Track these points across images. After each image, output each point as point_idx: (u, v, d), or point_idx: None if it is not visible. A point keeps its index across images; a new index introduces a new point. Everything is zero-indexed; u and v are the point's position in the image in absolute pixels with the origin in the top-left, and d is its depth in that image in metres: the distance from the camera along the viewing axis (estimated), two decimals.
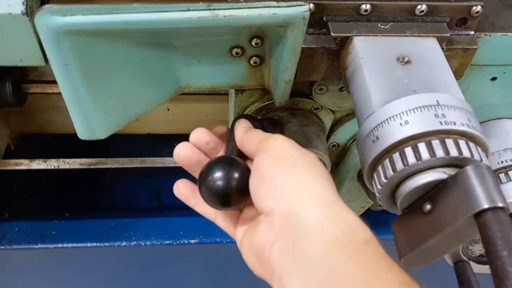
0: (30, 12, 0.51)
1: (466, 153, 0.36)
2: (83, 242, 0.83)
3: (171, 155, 1.03)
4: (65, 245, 0.83)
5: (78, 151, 0.91)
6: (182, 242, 0.86)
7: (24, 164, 0.81)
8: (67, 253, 0.85)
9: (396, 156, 0.38)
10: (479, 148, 0.38)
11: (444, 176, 0.37)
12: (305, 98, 0.57)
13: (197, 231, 0.87)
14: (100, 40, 0.42)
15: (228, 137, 0.52)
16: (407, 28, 0.48)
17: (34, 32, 0.53)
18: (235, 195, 0.44)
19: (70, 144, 0.92)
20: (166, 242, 0.86)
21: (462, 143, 0.37)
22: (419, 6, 0.47)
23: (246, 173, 0.44)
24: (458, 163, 0.37)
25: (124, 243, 0.85)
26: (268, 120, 0.56)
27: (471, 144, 0.37)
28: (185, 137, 1.01)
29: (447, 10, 0.48)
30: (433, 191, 0.37)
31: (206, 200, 0.45)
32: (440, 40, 0.48)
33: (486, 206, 0.33)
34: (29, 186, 0.96)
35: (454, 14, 0.48)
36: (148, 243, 0.86)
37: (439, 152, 0.36)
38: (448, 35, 0.48)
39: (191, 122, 0.96)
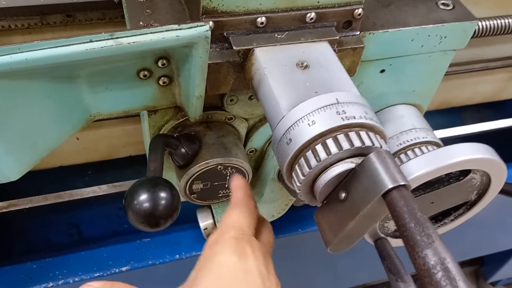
0: None
1: (367, 142, 0.41)
2: None
3: (86, 185, 1.00)
4: None
5: None
6: (113, 271, 0.84)
7: None
8: None
9: (309, 154, 0.41)
10: (378, 136, 0.42)
11: (352, 165, 0.41)
12: (218, 110, 0.59)
13: (127, 257, 0.86)
14: (1, 81, 0.40)
15: (149, 158, 0.52)
16: (301, 35, 0.52)
17: None
18: (163, 216, 0.45)
19: None
20: (96, 274, 0.83)
21: (363, 134, 0.41)
22: (308, 14, 0.52)
23: (172, 191, 0.45)
24: (362, 152, 0.41)
25: (51, 284, 0.81)
26: (186, 137, 0.58)
27: (371, 134, 0.42)
28: (98, 165, 0.98)
29: (333, 15, 0.53)
30: (345, 180, 0.41)
31: (134, 224, 0.46)
32: (331, 43, 0.53)
33: (390, 186, 0.37)
34: None
35: (339, 18, 0.53)
36: (76, 279, 0.82)
37: (345, 145, 0.40)
38: (338, 37, 0.53)
39: (104, 148, 0.94)
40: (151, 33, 0.40)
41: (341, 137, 0.41)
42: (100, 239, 1.04)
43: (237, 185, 0.50)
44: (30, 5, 0.63)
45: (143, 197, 0.44)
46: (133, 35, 0.40)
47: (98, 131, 0.90)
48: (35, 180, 0.93)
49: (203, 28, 0.41)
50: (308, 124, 0.42)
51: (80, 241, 1.03)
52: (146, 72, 0.50)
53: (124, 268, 0.84)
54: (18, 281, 0.80)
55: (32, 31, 0.69)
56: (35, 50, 0.37)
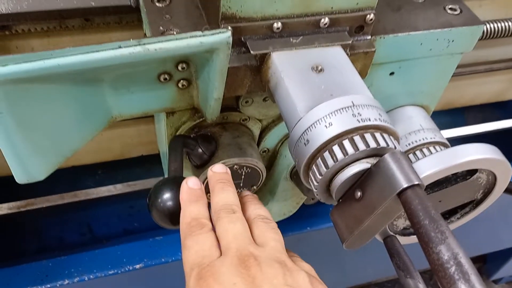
0: None
1: (382, 143, 0.43)
2: None
3: (96, 184, 1.01)
4: None
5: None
6: (127, 269, 0.86)
7: None
8: None
9: (327, 154, 0.43)
10: (392, 137, 0.44)
11: (368, 165, 0.43)
12: (233, 111, 0.61)
13: (141, 255, 0.88)
14: (32, 86, 0.42)
15: (169, 158, 0.54)
16: (315, 40, 0.54)
17: None
18: None
19: None
20: (110, 272, 0.85)
21: (378, 135, 0.43)
22: (322, 20, 0.54)
23: None
24: (377, 153, 0.43)
25: (66, 281, 0.82)
26: (202, 137, 0.60)
27: (385, 135, 0.44)
28: (108, 164, 1.00)
29: (346, 21, 0.55)
30: (361, 179, 0.43)
31: (157, 222, 0.48)
32: (344, 47, 0.55)
33: (405, 185, 0.39)
34: None
35: (352, 23, 0.55)
36: (91, 276, 0.84)
37: (361, 146, 0.42)
38: (350, 42, 0.55)
39: (117, 148, 0.96)
40: (176, 39, 0.42)
41: (357, 139, 0.43)
42: (112, 238, 1.06)
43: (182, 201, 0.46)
44: (50, 10, 0.65)
45: (167, 195, 0.46)
46: (159, 42, 0.42)
47: (113, 131, 0.92)
48: (45, 180, 0.95)
49: (226, 35, 0.43)
50: (325, 126, 0.44)
51: (93, 240, 1.05)
52: (166, 76, 0.52)
53: (137, 266, 0.86)
54: (35, 278, 0.82)
55: (50, 34, 0.71)
56: (67, 56, 0.39)
